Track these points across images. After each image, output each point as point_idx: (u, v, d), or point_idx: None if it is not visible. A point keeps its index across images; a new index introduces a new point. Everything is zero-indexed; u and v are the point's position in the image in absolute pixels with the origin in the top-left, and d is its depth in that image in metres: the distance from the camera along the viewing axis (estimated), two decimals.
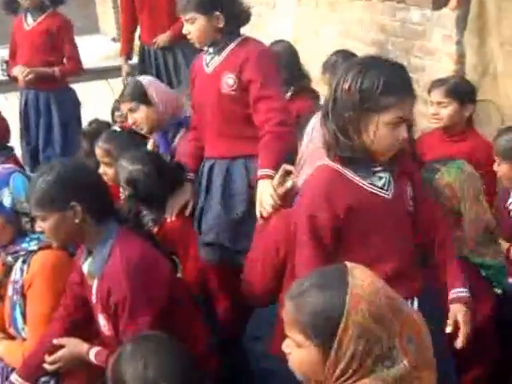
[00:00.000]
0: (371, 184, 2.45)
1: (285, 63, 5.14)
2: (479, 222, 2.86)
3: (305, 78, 5.22)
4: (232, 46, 3.50)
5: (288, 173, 2.88)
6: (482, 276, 2.90)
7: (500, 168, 3.62)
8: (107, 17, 12.11)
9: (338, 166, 2.44)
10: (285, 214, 2.78)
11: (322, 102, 5.28)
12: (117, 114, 5.03)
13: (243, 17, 3.55)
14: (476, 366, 2.90)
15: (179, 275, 3.19)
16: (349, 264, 1.92)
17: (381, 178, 2.47)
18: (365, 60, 2.46)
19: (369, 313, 1.80)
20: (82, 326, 2.95)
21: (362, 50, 5.03)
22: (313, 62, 5.31)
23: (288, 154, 2.99)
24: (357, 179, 2.44)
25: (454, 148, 4.03)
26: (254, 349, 2.92)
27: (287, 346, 1.92)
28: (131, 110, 3.97)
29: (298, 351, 1.88)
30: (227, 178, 3.54)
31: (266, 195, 3.10)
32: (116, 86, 7.60)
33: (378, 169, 2.47)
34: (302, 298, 1.86)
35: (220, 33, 3.49)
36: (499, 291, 2.92)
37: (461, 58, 4.90)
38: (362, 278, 1.85)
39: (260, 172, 3.27)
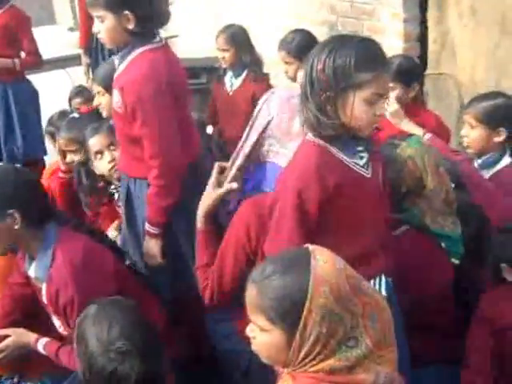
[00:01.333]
0: (355, 163, 2.40)
1: (238, 47, 5.10)
2: (440, 192, 2.84)
3: (258, 61, 5.17)
4: (133, 55, 3.04)
5: (222, 170, 2.74)
6: (441, 246, 2.88)
7: (472, 132, 3.54)
8: (63, 7, 11.89)
9: (324, 143, 2.36)
10: (253, 200, 2.71)
11: (274, 82, 5.28)
12: (73, 101, 4.92)
13: (158, 18, 3.07)
14: (437, 332, 2.89)
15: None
16: (311, 246, 1.87)
17: (362, 157, 2.41)
18: (335, 38, 2.38)
19: (332, 294, 1.76)
20: (21, 325, 2.90)
21: (313, 31, 4.95)
22: (264, 44, 5.24)
23: None
24: (342, 157, 2.37)
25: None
26: (218, 330, 2.87)
27: (251, 331, 1.87)
28: (98, 93, 3.83)
29: (262, 335, 1.83)
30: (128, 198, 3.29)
31: (151, 253, 3.11)
32: (74, 75, 7.45)
33: (360, 148, 2.42)
34: (265, 283, 1.81)
35: (130, 35, 3.02)
36: (456, 261, 2.90)
37: (409, 36, 4.89)
38: (324, 260, 1.81)
39: (145, 226, 3.15)
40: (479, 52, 4.67)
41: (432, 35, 4.86)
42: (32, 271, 2.75)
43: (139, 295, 2.82)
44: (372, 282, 2.46)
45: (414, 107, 4.13)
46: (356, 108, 2.28)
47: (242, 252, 2.60)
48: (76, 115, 4.11)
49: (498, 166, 3.50)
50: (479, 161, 3.54)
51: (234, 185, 2.67)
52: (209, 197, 2.70)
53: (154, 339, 2.32)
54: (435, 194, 2.82)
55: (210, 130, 5.23)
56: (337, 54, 2.26)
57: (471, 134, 3.54)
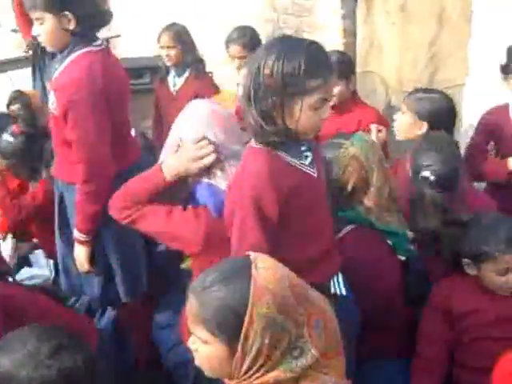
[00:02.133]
0: (302, 163, 2.33)
1: (183, 44, 4.99)
2: (384, 188, 2.78)
3: (201, 59, 5.07)
4: (72, 57, 2.91)
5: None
6: (387, 243, 2.83)
7: (401, 117, 3.59)
8: (5, 8, 11.61)
9: (269, 149, 2.28)
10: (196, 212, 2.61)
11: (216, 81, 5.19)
12: (11, 107, 4.75)
13: (100, 18, 2.97)
14: (386, 330, 2.83)
15: None
16: (252, 254, 1.77)
17: (307, 157, 2.35)
18: (282, 41, 2.26)
19: (274, 304, 1.65)
20: None
21: (256, 29, 4.87)
22: (206, 43, 5.15)
23: None
24: (290, 160, 2.30)
25: (342, 119, 4.00)
26: (163, 340, 2.76)
27: (193, 343, 1.77)
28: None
29: (204, 348, 1.73)
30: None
31: (79, 260, 3.02)
32: (15, 78, 7.22)
33: (303, 148, 2.35)
34: (206, 294, 1.70)
35: (71, 35, 2.90)
36: (403, 258, 2.85)
37: (348, 32, 4.84)
38: (265, 269, 1.70)
39: (74, 233, 3.05)
40: (407, 49, 4.64)
41: (360, 33, 4.82)
42: None
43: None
44: (332, 281, 2.45)
45: (353, 102, 4.11)
46: (303, 113, 2.20)
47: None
48: (9, 139, 4.05)
49: None
50: None
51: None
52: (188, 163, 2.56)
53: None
54: (381, 190, 2.76)
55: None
56: (285, 60, 2.15)
57: (399, 119, 3.60)
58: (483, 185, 4.01)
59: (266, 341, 1.65)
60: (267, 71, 2.16)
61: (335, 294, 2.49)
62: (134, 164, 3.05)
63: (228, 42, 4.87)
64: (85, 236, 3.00)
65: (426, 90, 3.72)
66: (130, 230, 2.71)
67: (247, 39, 4.71)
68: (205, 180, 2.54)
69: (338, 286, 2.50)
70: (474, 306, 2.75)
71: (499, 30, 4.13)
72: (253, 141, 2.31)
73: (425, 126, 3.47)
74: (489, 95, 3.92)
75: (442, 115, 3.50)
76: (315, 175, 2.37)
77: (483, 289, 2.76)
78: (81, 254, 3.04)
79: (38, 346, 1.97)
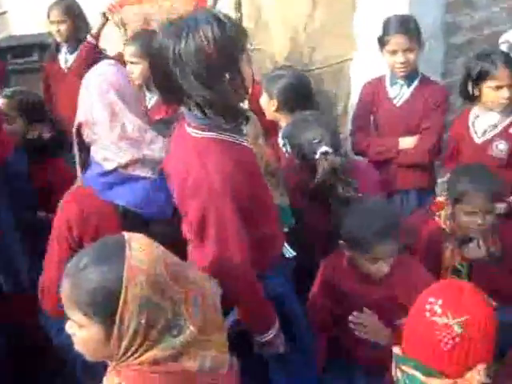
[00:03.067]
0: (242, 140, 2.31)
1: (74, 19, 4.83)
2: (260, 162, 2.77)
3: None
4: None
5: None
6: None
7: (262, 97, 3.62)
8: None
9: (215, 135, 2.22)
10: (78, 193, 2.56)
11: None
12: None
13: None
14: None
15: None
16: (127, 235, 1.73)
17: (242, 130, 2.34)
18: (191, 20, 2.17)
19: (148, 284, 1.63)
20: None
21: None
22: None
23: None
24: (238, 140, 2.28)
25: None
26: (51, 325, 2.70)
27: (70, 327, 1.72)
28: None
29: (81, 331, 1.69)
30: None
31: None
32: None
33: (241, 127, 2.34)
34: (79, 276, 1.65)
35: None
36: (285, 229, 2.86)
37: (237, 8, 4.79)
38: (139, 249, 1.67)
39: None
40: (291, 26, 4.64)
41: (246, 9, 4.79)
42: None
43: None
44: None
45: None
46: (247, 73, 2.23)
47: (64, 240, 2.50)
48: None
49: None
50: None
51: None
52: None
53: None
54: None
55: None
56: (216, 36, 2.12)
57: (261, 99, 3.63)
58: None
59: (143, 321, 1.62)
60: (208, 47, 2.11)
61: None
62: (4, 161, 2.99)
63: None
64: None
65: (279, 69, 3.77)
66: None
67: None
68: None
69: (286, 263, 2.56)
70: (350, 286, 2.79)
71: (383, 2, 4.20)
72: (190, 128, 2.23)
73: (274, 103, 3.51)
74: (376, 69, 3.97)
75: (289, 92, 3.52)
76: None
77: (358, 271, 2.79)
78: None
79: None
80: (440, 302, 1.86)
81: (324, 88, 4.50)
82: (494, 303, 3.13)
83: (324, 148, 2.93)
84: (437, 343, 1.84)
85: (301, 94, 3.56)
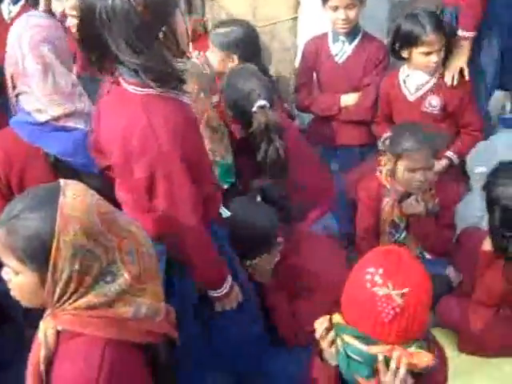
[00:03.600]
0: (182, 96, 2.20)
1: None
2: (201, 117, 2.77)
3: None
4: None
5: None
6: None
7: (212, 54, 3.61)
8: None
9: (158, 91, 2.09)
10: (2, 136, 2.53)
11: None
12: None
13: None
14: None
15: None
16: (62, 182, 1.71)
17: (183, 90, 2.22)
18: None
19: (81, 231, 1.62)
20: None
21: None
22: None
23: None
24: (178, 96, 2.16)
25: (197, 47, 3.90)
26: None
27: (5, 273, 1.71)
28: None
29: (16, 278, 1.68)
30: None
31: None
32: None
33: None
34: (13, 223, 1.64)
35: None
36: (225, 186, 2.88)
37: None
38: (73, 196, 1.66)
39: None
40: None
41: None
42: None
43: None
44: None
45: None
46: (182, 29, 2.13)
47: None
48: None
49: None
50: None
51: None
52: None
53: None
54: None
55: None
56: None
57: (209, 56, 3.60)
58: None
59: (76, 267, 1.62)
60: (140, 8, 1.98)
61: None
62: None
63: None
64: None
65: (225, 23, 3.72)
66: None
67: None
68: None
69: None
70: None
71: None
72: (129, 86, 2.10)
73: (235, 58, 3.50)
74: (320, 28, 3.97)
75: (248, 44, 3.54)
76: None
77: None
78: None
79: None
80: (380, 271, 1.87)
81: (270, 45, 4.47)
82: (428, 256, 3.26)
83: (262, 102, 2.93)
84: (378, 314, 1.87)
85: (255, 47, 3.57)
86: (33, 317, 2.32)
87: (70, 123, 2.46)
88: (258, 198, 2.76)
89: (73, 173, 2.40)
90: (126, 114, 2.10)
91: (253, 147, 2.94)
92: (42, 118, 2.44)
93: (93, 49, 2.09)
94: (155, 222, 2.17)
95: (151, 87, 2.07)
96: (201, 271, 2.30)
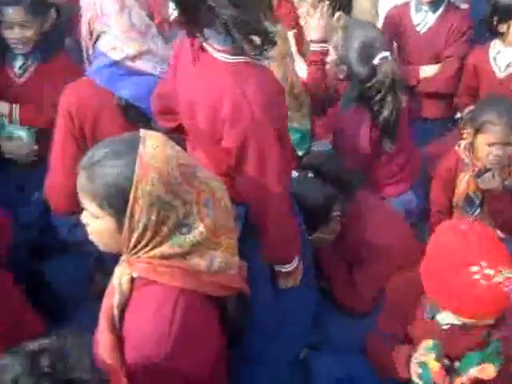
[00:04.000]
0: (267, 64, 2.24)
1: None
2: (284, 83, 2.74)
3: None
4: None
5: None
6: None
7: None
8: None
9: (248, 59, 2.07)
10: (77, 84, 2.58)
11: None
12: None
13: None
14: None
15: None
16: (142, 132, 1.73)
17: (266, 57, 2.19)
18: None
19: (159, 182, 1.64)
20: None
21: None
22: None
23: None
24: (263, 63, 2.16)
25: None
26: (63, 224, 2.76)
27: (84, 217, 1.75)
28: None
29: (95, 222, 1.72)
30: None
31: None
32: None
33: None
34: (94, 169, 1.67)
35: None
36: (300, 153, 2.86)
37: None
38: (153, 146, 1.67)
39: None
40: None
41: None
42: None
43: None
44: None
45: None
46: None
47: (71, 138, 2.50)
48: None
49: None
50: None
51: None
52: None
53: None
54: (282, 82, 2.72)
55: None
56: None
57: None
58: None
59: (153, 217, 1.64)
60: None
61: None
62: None
63: None
64: None
65: None
66: None
67: None
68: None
69: None
70: None
71: None
72: (219, 53, 2.07)
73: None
74: None
75: None
76: None
77: None
78: None
79: None
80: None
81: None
82: (500, 234, 3.19)
83: (385, 53, 2.88)
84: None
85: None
86: (103, 265, 2.40)
87: (143, 66, 2.48)
88: (310, 174, 2.74)
89: (143, 119, 2.44)
90: (216, 83, 2.07)
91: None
92: (117, 55, 2.47)
93: (187, 5, 2.05)
94: (238, 187, 2.16)
95: (241, 55, 2.04)
96: (276, 243, 2.26)
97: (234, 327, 1.88)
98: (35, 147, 3.32)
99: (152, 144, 1.67)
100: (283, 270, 2.35)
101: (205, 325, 1.76)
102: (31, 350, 1.41)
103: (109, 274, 1.86)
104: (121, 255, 1.80)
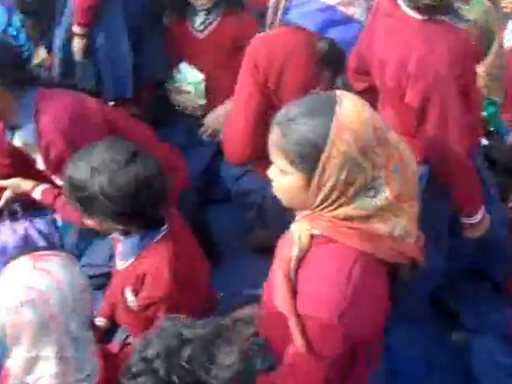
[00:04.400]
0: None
1: None
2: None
3: None
4: None
5: None
6: None
7: None
8: None
9: (439, 18, 2.16)
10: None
11: None
12: None
13: None
14: None
15: None
16: (339, 92, 1.73)
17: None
18: None
19: (354, 143, 1.63)
20: None
21: None
22: None
23: None
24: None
25: None
26: (229, 173, 2.86)
27: (272, 172, 1.78)
28: None
29: (282, 177, 1.74)
30: None
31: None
32: None
33: None
34: (288, 125, 1.69)
35: None
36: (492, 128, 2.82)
37: None
38: (350, 108, 1.66)
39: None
40: None
41: None
42: (17, 140, 2.63)
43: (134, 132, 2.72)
44: None
45: None
46: None
47: (256, 90, 2.53)
48: None
49: None
50: None
51: None
52: None
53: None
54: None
55: None
56: None
57: None
58: None
59: (342, 177, 1.65)
60: None
61: None
62: None
63: None
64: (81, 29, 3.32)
65: None
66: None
67: None
68: None
69: None
70: None
71: None
72: (411, 10, 2.13)
73: None
74: None
75: None
76: None
77: None
78: (78, 45, 3.43)
79: (112, 155, 2.08)
80: None
81: None
82: None
83: None
84: None
85: None
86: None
87: (352, 11, 2.49)
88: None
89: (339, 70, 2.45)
90: (406, 39, 2.11)
91: None
92: (331, 0, 2.47)
93: None
94: (421, 145, 2.16)
95: (433, 13, 2.07)
96: (462, 197, 2.34)
97: (401, 293, 1.88)
98: (204, 102, 3.40)
99: (349, 105, 1.67)
100: (469, 222, 2.44)
101: (378, 289, 1.76)
102: (183, 336, 1.48)
103: (267, 228, 1.89)
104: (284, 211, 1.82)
